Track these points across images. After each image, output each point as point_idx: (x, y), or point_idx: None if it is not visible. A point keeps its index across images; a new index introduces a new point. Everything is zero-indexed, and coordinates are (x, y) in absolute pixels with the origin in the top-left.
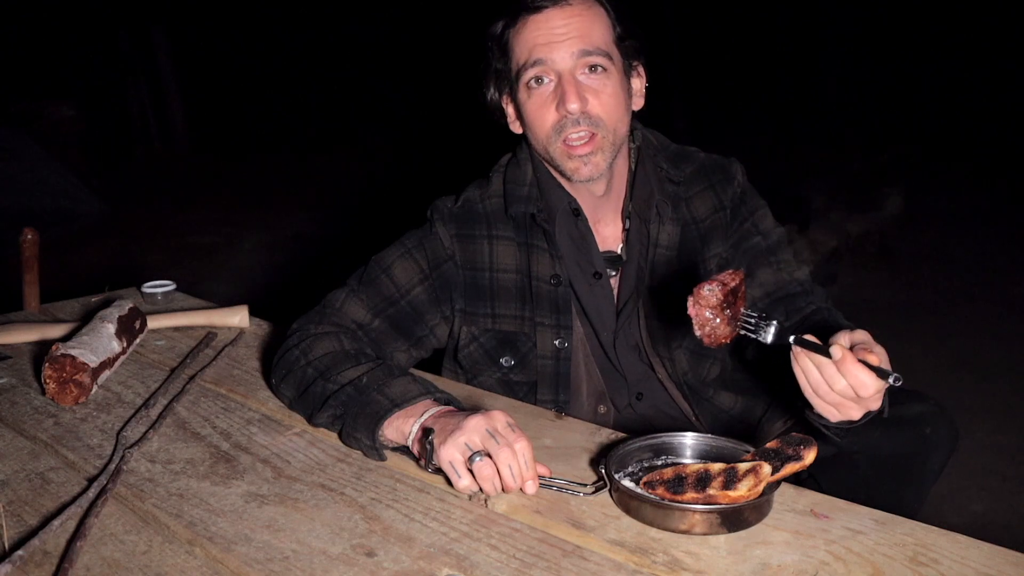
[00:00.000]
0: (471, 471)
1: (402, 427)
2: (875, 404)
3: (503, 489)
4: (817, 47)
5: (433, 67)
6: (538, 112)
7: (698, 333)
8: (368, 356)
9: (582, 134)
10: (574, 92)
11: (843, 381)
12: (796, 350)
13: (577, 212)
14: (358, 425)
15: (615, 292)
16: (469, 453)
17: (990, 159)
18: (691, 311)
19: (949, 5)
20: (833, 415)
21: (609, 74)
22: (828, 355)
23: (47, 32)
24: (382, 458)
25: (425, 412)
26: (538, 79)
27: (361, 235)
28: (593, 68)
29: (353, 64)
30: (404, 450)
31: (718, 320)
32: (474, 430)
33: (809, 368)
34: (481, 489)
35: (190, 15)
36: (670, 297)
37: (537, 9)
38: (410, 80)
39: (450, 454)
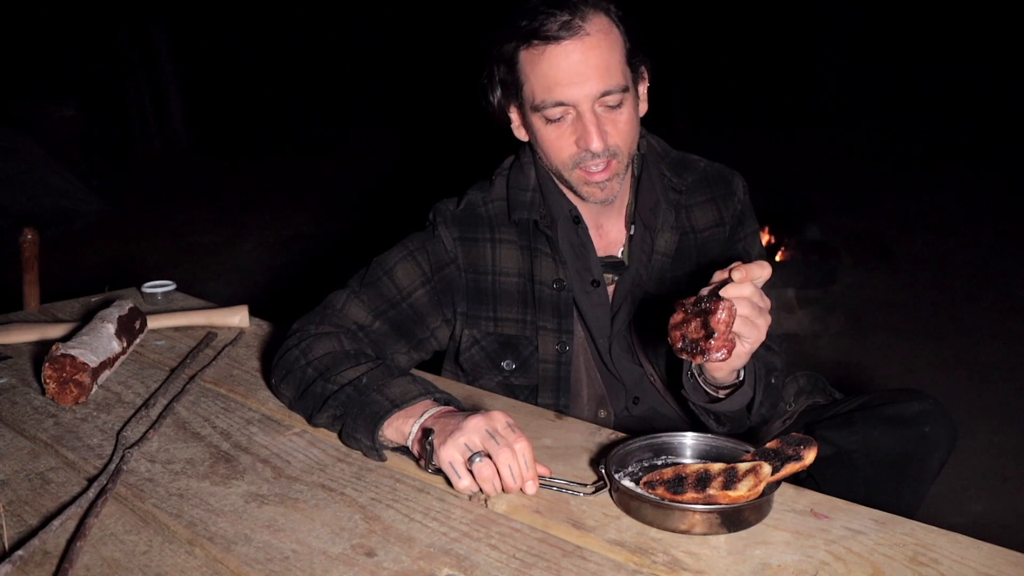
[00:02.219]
0: (471, 472)
1: (402, 427)
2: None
3: (503, 489)
4: (817, 47)
5: (433, 67)
6: (555, 144)
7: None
8: (368, 356)
9: (600, 166)
10: (596, 132)
11: (759, 280)
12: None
13: (577, 220)
14: (358, 425)
15: (611, 298)
16: (469, 453)
17: (990, 159)
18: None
19: (949, 5)
20: (763, 333)
21: (626, 102)
22: (732, 279)
23: (47, 32)
24: (382, 458)
25: (425, 412)
26: (556, 113)
27: (361, 235)
28: (612, 102)
29: (353, 64)
30: (404, 450)
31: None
32: (474, 430)
33: (742, 303)
34: (481, 489)
35: (190, 15)
36: (660, 303)
37: (556, 39)
38: (410, 80)
39: (450, 454)
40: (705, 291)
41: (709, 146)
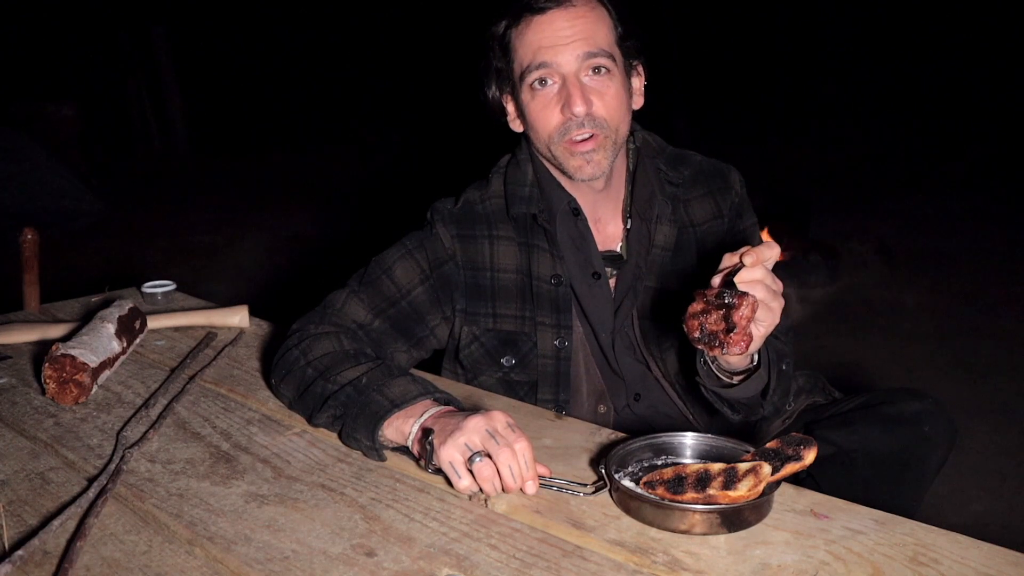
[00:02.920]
0: (471, 472)
1: (402, 427)
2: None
3: (503, 489)
4: (816, 47)
5: (433, 67)
6: (542, 114)
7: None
8: (368, 356)
9: (586, 135)
10: (579, 95)
11: (769, 261)
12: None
13: (577, 212)
14: (358, 425)
15: (613, 292)
16: (469, 453)
17: (990, 159)
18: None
19: (949, 5)
20: (778, 316)
21: (612, 75)
22: (743, 264)
23: (47, 32)
24: (382, 458)
25: (425, 412)
26: (542, 80)
27: (361, 235)
28: (597, 70)
29: (353, 64)
30: (404, 450)
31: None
32: (474, 430)
33: (757, 287)
34: (481, 489)
35: (190, 15)
36: (664, 297)
37: (541, 10)
38: (410, 80)
39: (450, 454)
40: (717, 279)
41: (708, 146)
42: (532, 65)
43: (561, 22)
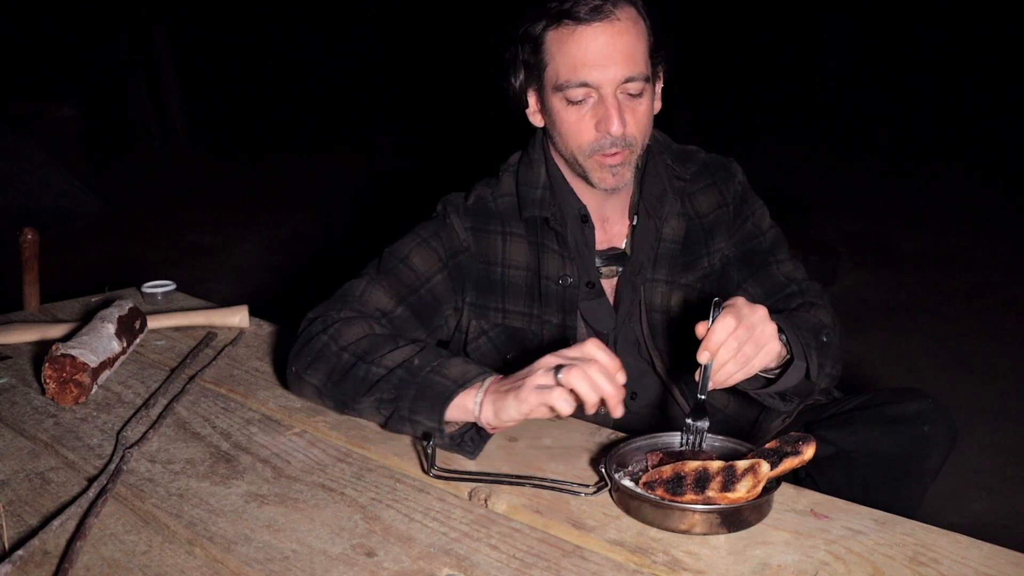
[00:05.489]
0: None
1: (465, 403)
2: (765, 333)
3: (597, 399)
4: (816, 47)
5: (434, 67)
6: (575, 127)
7: None
8: (405, 340)
9: (616, 153)
10: (618, 116)
11: (718, 339)
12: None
13: (585, 219)
14: (419, 407)
15: (613, 292)
16: (552, 374)
17: (990, 159)
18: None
19: (948, 5)
20: (760, 345)
21: (645, 93)
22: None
23: (47, 32)
24: (444, 439)
25: (484, 384)
26: (579, 94)
27: (361, 235)
28: (634, 89)
29: (353, 64)
30: (450, 439)
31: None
32: (546, 363)
33: (725, 369)
34: (581, 404)
35: (190, 15)
36: (674, 290)
37: (586, 21)
38: (410, 80)
39: (535, 381)
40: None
41: (709, 146)
42: (572, 82)
43: (605, 38)
